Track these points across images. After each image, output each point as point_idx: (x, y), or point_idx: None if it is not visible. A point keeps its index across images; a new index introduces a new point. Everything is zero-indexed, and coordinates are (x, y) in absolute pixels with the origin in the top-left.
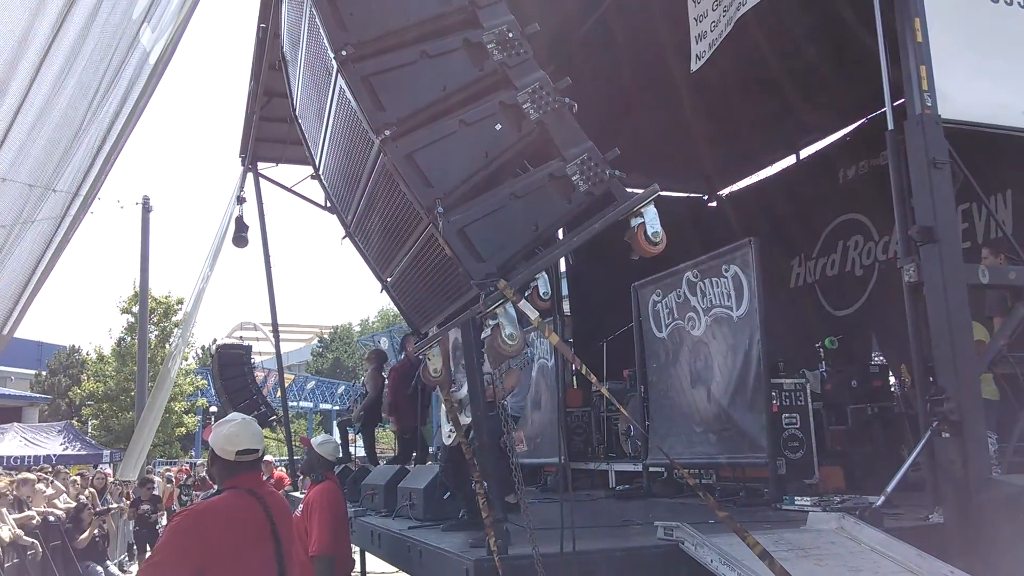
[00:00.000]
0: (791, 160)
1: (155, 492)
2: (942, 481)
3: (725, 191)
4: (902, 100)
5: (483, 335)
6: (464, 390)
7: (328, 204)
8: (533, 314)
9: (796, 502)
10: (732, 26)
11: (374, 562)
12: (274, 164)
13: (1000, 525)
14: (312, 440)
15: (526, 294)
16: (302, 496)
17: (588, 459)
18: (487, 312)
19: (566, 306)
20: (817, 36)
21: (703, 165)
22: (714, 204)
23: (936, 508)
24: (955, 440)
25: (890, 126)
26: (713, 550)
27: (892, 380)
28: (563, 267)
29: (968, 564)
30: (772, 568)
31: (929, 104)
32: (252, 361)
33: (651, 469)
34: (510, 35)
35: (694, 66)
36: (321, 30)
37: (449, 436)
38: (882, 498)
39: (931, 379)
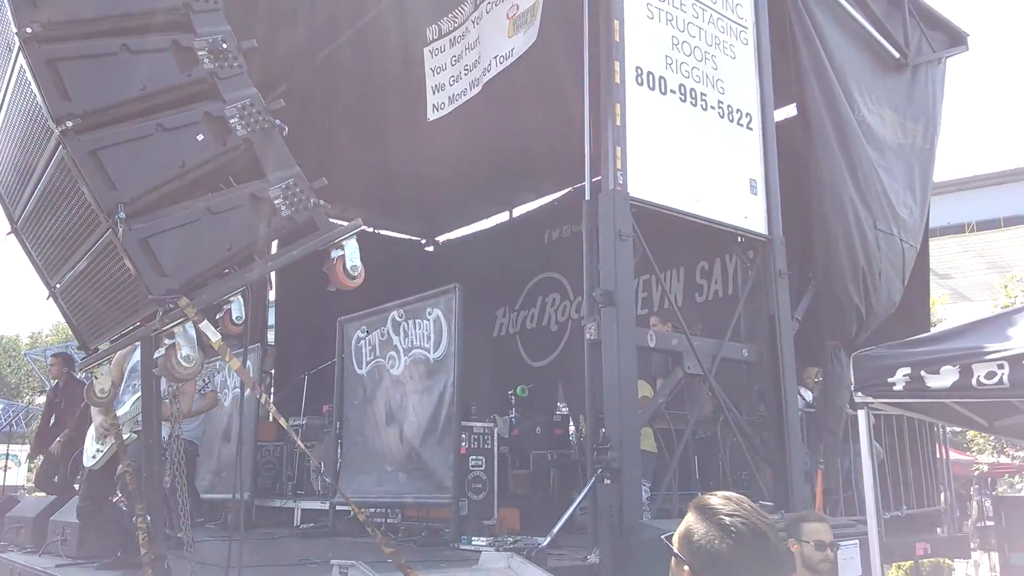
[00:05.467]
0: (504, 216)
1: None
2: (600, 524)
3: (442, 237)
4: (600, 177)
5: (156, 355)
6: (126, 407)
7: None
8: (214, 336)
9: (473, 542)
10: (479, 88)
11: None
12: None
13: (647, 566)
14: None
15: (217, 316)
16: None
17: (275, 495)
18: (163, 330)
19: (271, 336)
20: (537, 106)
21: (424, 209)
22: (431, 248)
23: (594, 549)
24: (614, 486)
25: (587, 197)
26: None
27: (572, 429)
28: (272, 296)
29: None
30: None
31: (620, 182)
32: None
33: (338, 508)
34: (224, 46)
35: (431, 115)
36: (5, 2)
37: (93, 458)
38: (547, 539)
39: (601, 429)
